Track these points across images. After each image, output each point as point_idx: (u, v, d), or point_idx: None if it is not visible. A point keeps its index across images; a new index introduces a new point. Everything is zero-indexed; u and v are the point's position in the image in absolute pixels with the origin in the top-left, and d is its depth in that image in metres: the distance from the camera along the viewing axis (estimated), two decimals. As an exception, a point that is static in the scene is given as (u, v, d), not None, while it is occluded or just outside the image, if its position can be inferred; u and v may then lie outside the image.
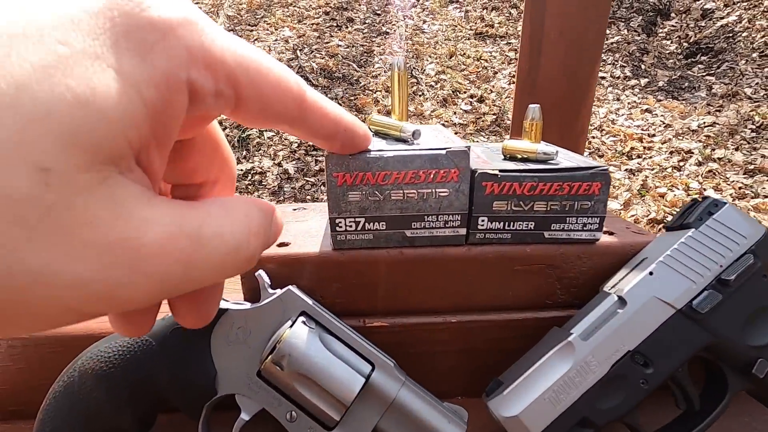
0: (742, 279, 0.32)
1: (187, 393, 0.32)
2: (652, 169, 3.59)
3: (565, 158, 0.37)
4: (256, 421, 0.33)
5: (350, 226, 0.35)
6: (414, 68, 4.71)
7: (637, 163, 3.71)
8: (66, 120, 0.11)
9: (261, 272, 0.34)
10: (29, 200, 0.11)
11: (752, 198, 3.11)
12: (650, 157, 3.72)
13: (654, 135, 3.98)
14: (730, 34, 4.92)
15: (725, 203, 0.33)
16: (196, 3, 5.24)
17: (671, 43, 5.06)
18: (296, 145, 3.81)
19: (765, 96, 4.08)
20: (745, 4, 5.00)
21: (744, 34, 4.80)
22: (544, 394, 0.32)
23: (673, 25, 5.13)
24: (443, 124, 3.84)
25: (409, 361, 0.39)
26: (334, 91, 4.08)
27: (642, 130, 4.09)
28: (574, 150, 0.90)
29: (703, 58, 4.74)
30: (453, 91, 4.50)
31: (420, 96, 4.40)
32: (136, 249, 0.13)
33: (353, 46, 4.96)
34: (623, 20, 5.42)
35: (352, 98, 4.08)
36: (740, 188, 3.27)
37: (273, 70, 0.18)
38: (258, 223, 0.17)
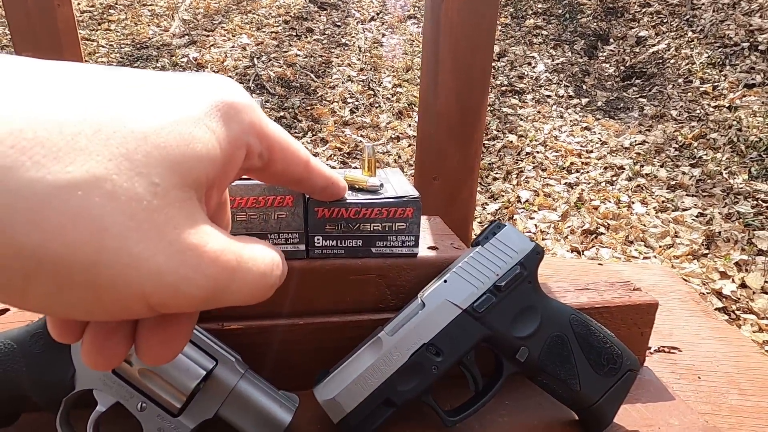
0: (511, 285, 0.41)
1: (46, 390, 0.37)
2: (588, 183, 3.86)
3: (393, 187, 0.45)
4: (113, 415, 0.38)
5: (203, 243, 0.41)
6: (372, 81, 4.82)
7: (576, 178, 3.98)
8: (174, 154, 0.17)
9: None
10: (142, 201, 0.16)
11: (673, 211, 3.39)
12: (587, 172, 4.00)
13: (591, 151, 4.28)
14: (660, 61, 5.36)
15: (506, 225, 0.42)
16: (150, 5, 5.11)
17: (610, 66, 5.46)
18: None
19: (687, 118, 4.49)
20: (672, 33, 5.48)
21: (672, 61, 5.25)
22: (356, 379, 0.39)
23: (611, 50, 5.55)
24: (398, 136, 3.96)
25: (266, 359, 0.45)
26: (291, 101, 4.11)
27: (581, 146, 4.38)
28: (471, 169, 1.00)
29: (637, 81, 5.15)
30: (408, 104, 4.62)
31: (377, 108, 4.49)
32: (202, 253, 0.17)
33: (312, 56, 5.01)
34: (568, 43, 5.79)
35: (309, 108, 4.12)
36: (663, 202, 3.56)
37: (292, 144, 0.25)
38: (278, 259, 0.22)
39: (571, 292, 0.51)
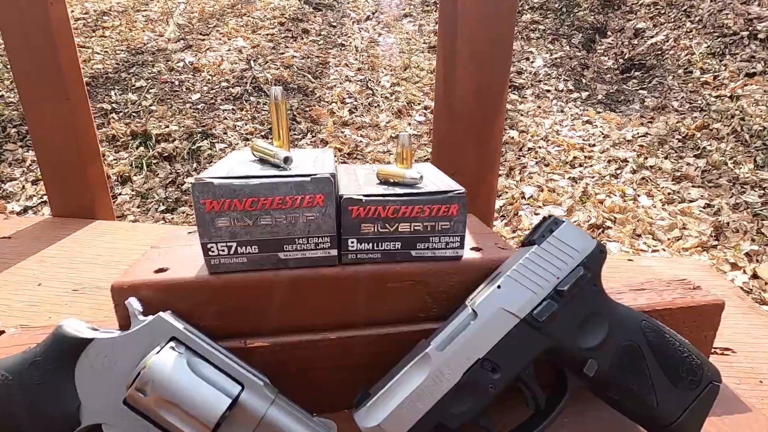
0: (574, 289, 0.36)
1: (48, 426, 0.32)
2: (593, 177, 3.82)
3: (433, 182, 0.40)
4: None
5: (223, 251, 0.36)
6: (369, 80, 4.78)
7: (579, 172, 3.94)
8: None
9: (131, 300, 0.35)
10: None
11: (679, 202, 3.36)
12: (591, 166, 3.96)
13: (594, 145, 4.24)
14: (659, 52, 5.32)
15: (564, 221, 0.38)
16: (145, 10, 5.08)
17: (608, 59, 5.42)
18: (250, 156, 3.74)
19: (689, 109, 4.45)
20: (671, 24, 5.45)
21: (671, 52, 5.21)
22: (402, 403, 0.34)
23: (609, 43, 5.50)
24: (398, 135, 3.91)
25: (292, 378, 0.40)
26: (289, 102, 4.07)
27: (583, 140, 4.34)
28: (491, 165, 0.95)
29: (636, 73, 5.10)
30: (408, 103, 4.58)
31: (376, 107, 4.46)
32: None
33: (308, 58, 4.96)
34: (565, 37, 5.74)
35: (307, 109, 4.08)
36: (669, 194, 3.53)
37: None
38: None
39: (626, 293, 0.46)
